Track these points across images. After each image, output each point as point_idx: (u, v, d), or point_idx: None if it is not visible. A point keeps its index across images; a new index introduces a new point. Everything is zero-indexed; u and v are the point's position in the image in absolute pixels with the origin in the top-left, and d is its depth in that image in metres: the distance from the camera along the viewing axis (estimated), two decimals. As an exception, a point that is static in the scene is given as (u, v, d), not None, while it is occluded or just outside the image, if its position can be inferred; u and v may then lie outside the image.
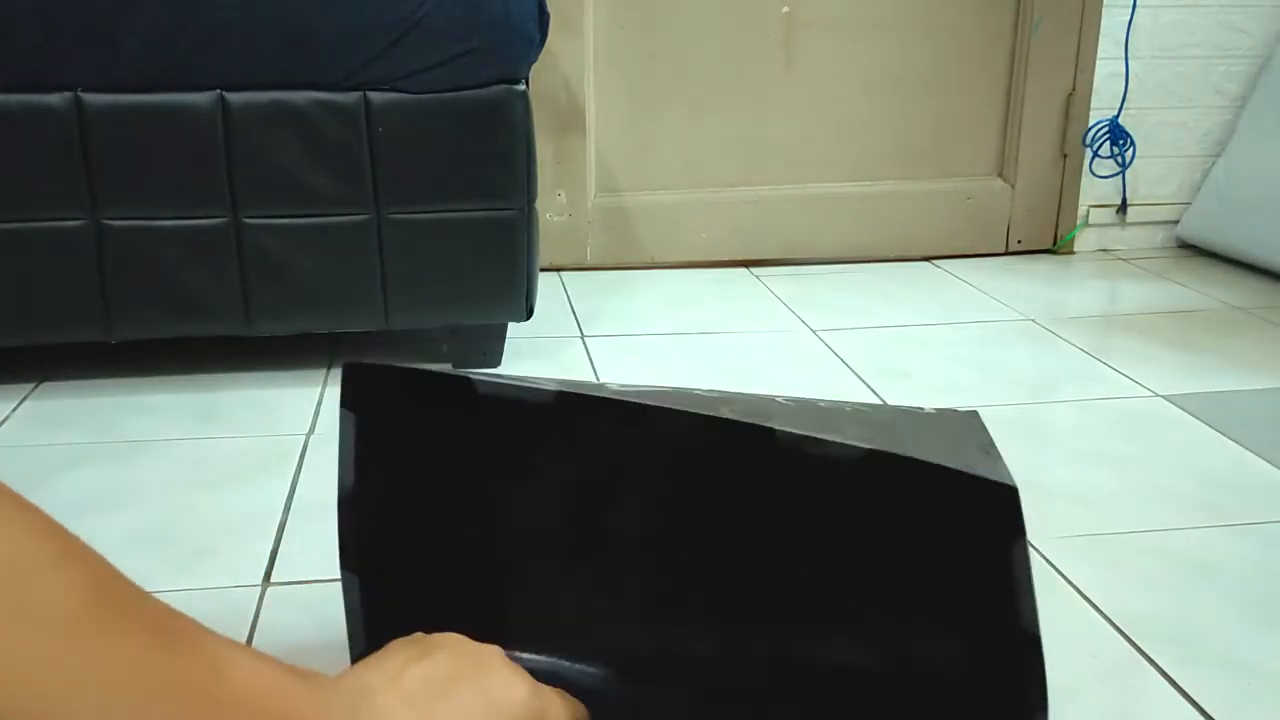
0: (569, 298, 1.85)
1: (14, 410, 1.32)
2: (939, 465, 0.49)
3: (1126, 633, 0.86)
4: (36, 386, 1.40)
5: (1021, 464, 1.19)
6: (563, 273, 2.02)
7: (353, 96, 1.29)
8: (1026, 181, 2.12)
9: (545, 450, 0.62)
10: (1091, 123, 2.10)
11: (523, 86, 1.33)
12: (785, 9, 1.97)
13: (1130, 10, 2.04)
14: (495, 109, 1.32)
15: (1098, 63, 2.07)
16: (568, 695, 0.58)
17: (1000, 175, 2.14)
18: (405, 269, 1.36)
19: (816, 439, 0.53)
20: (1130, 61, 2.07)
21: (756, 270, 2.04)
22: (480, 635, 0.54)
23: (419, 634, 0.56)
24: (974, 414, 0.73)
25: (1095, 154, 2.12)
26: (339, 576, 0.64)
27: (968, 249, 2.14)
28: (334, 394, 1.38)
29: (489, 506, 0.64)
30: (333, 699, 0.47)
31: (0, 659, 0.32)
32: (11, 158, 1.25)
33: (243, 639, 0.84)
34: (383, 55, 1.28)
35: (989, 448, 0.69)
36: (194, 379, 1.43)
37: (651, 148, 2.02)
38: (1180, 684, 0.80)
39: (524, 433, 0.61)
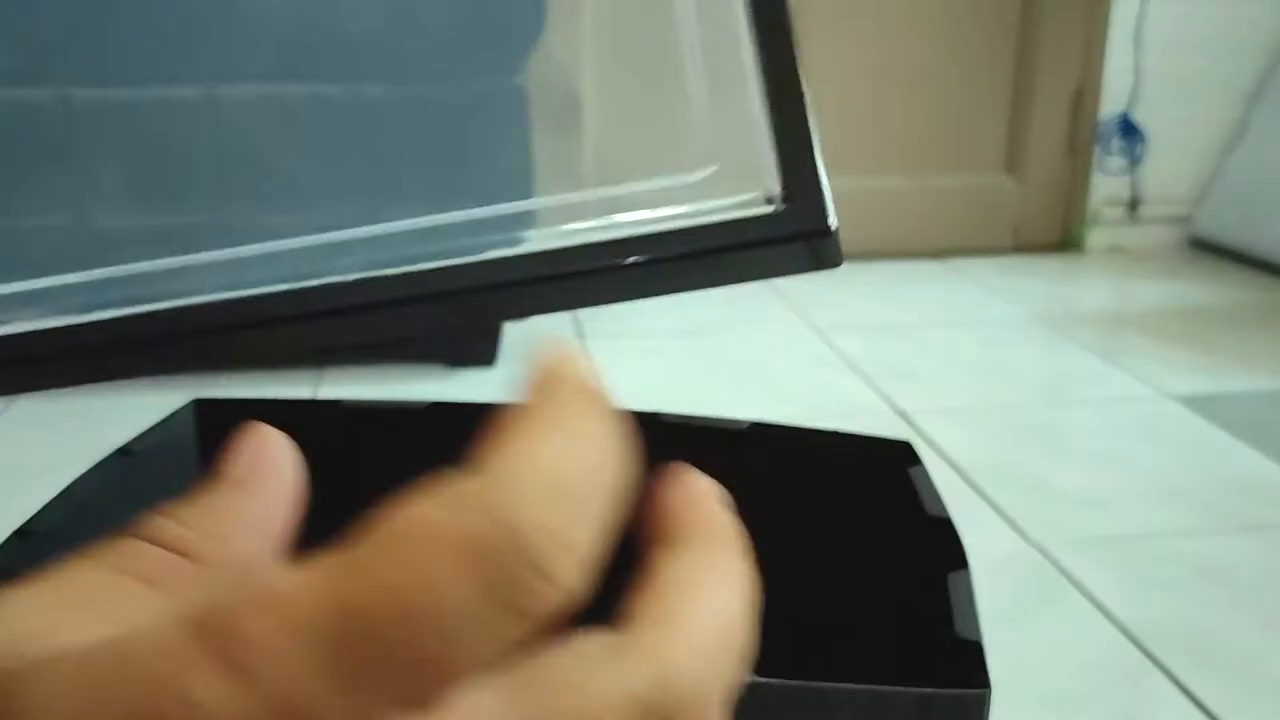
0: (571, 296, 1.83)
1: (4, 411, 1.31)
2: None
3: (1137, 638, 0.85)
4: (29, 386, 1.39)
5: (1030, 466, 1.17)
6: (565, 271, 2.01)
7: (345, 90, 1.28)
8: (1036, 178, 2.10)
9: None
10: (1102, 118, 2.08)
11: (520, 82, 1.31)
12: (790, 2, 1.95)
13: (1140, 3, 2.02)
14: (490, 103, 1.30)
15: (1108, 57, 2.04)
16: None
17: (1009, 171, 2.11)
18: (402, 267, 1.35)
19: None
20: (1141, 56, 2.05)
21: (761, 268, 2.03)
22: None
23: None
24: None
25: (1105, 150, 2.10)
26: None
27: (976, 246, 2.12)
28: (329, 395, 1.36)
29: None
30: None
31: None
32: None
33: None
34: (377, 50, 1.26)
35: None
36: (187, 380, 1.41)
37: (651, 143, 2.01)
38: (1190, 690, 0.78)
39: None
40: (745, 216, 0.24)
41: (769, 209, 0.24)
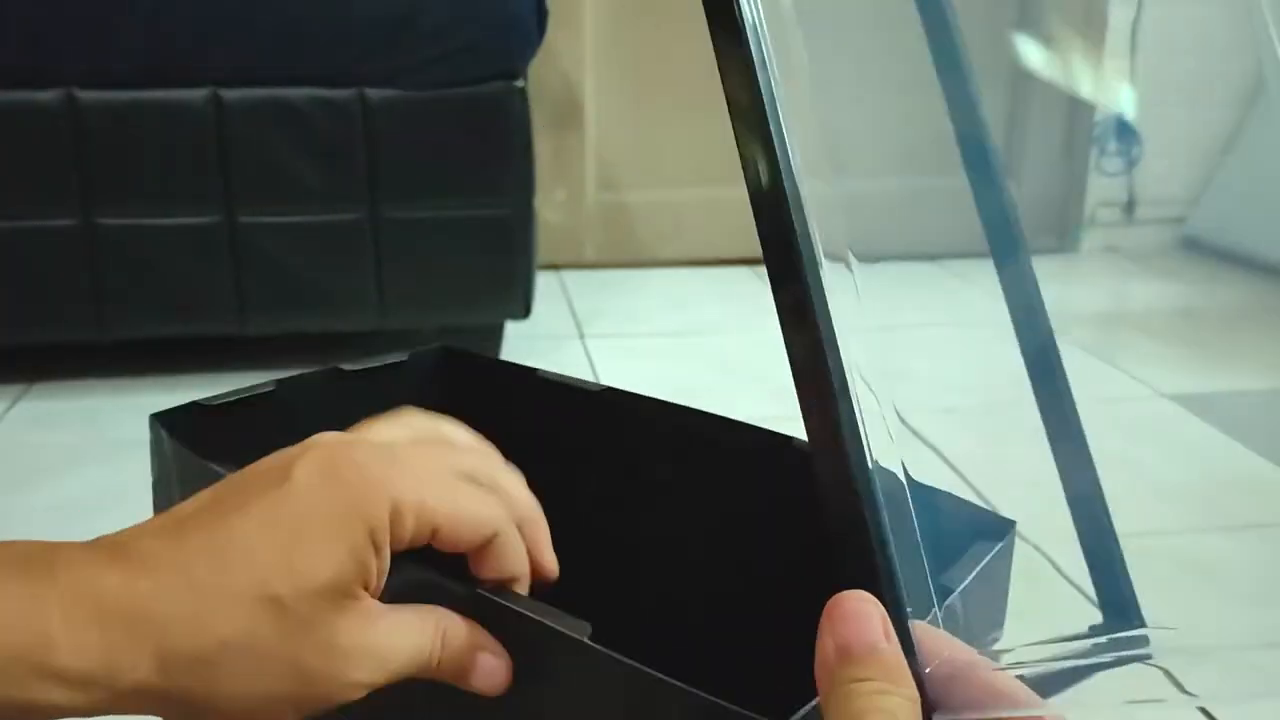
0: (568, 296, 1.84)
1: (7, 411, 1.31)
2: None
3: (1131, 636, 0.85)
4: (29, 387, 1.39)
5: (1026, 464, 1.17)
6: (561, 271, 2.00)
7: (349, 93, 1.28)
8: (1031, 179, 2.11)
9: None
10: (1097, 120, 2.08)
11: (521, 82, 1.31)
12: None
13: (1137, 4, 2.02)
14: (493, 105, 1.31)
15: (1104, 59, 2.05)
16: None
17: (1006, 173, 2.12)
18: (401, 267, 1.35)
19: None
20: (1137, 58, 2.05)
21: (758, 269, 2.03)
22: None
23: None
24: None
25: (1102, 151, 2.11)
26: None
27: (973, 248, 2.12)
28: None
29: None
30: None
31: None
32: (3, 156, 1.24)
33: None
34: (379, 51, 1.27)
35: None
36: (187, 379, 1.42)
37: (651, 144, 2.01)
38: (1184, 685, 0.79)
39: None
40: None
41: None
